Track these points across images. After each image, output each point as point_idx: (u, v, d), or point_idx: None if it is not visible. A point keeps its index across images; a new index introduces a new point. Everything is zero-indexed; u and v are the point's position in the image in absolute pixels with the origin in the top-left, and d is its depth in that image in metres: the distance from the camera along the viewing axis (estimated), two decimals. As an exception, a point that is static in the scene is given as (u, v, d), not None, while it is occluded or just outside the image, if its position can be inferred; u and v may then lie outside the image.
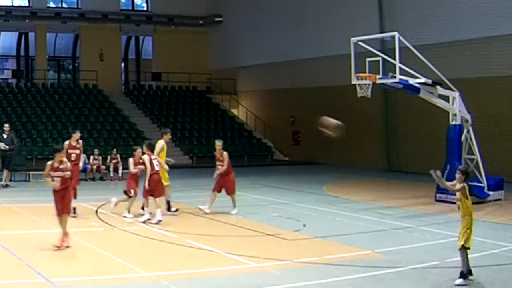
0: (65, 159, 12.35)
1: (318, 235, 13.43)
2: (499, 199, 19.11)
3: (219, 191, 16.26)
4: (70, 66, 43.54)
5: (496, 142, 24.18)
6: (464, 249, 9.81)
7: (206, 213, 15.91)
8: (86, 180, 25.00)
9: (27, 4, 38.11)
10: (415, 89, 18.71)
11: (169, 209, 16.06)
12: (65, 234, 11.77)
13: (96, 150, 26.24)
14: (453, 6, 26.04)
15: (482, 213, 16.85)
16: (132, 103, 38.13)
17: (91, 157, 25.55)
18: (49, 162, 12.02)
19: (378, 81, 18.09)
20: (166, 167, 15.91)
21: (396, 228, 14.51)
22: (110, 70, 38.83)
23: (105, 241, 12.36)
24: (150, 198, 14.96)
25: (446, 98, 19.06)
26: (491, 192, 18.98)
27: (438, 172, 10.20)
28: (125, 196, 15.72)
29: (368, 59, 18.38)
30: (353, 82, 18.53)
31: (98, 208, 16.67)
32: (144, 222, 14.58)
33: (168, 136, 16.43)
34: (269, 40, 36.42)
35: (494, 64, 24.76)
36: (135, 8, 41.50)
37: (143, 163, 15.18)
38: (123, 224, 14.36)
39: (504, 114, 24.98)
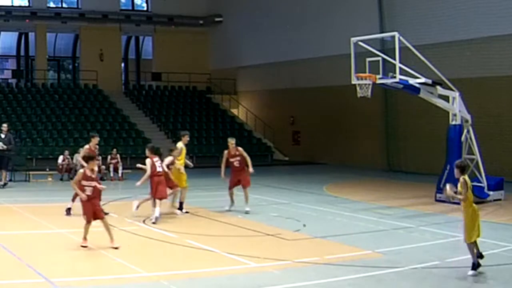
0: (95, 168, 12.29)
1: (318, 235, 13.43)
2: (499, 199, 19.11)
3: (235, 186, 16.66)
4: (70, 66, 43.55)
5: (496, 142, 24.18)
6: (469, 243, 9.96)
7: (227, 210, 16.45)
8: (86, 180, 24.98)
9: (27, 4, 38.12)
10: (415, 89, 18.71)
11: (180, 209, 16.25)
12: (111, 236, 11.82)
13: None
14: (453, 6, 26.04)
15: (482, 213, 16.70)
16: (132, 103, 38.14)
17: (91, 157, 25.50)
18: (81, 170, 11.93)
19: (378, 81, 18.09)
20: (183, 169, 16.18)
21: (396, 228, 14.51)
22: (110, 70, 38.85)
23: (105, 241, 12.34)
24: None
25: (446, 98, 19.05)
26: (491, 192, 18.99)
27: (449, 190, 10.13)
28: (146, 197, 15.80)
29: (368, 59, 18.37)
30: (353, 82, 18.53)
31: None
32: (154, 222, 14.67)
33: (186, 138, 16.63)
34: (269, 40, 36.43)
35: (494, 64, 24.76)
36: (135, 8, 41.51)
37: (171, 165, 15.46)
38: (123, 224, 14.36)
39: (504, 114, 24.98)
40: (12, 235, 13.17)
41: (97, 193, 11.88)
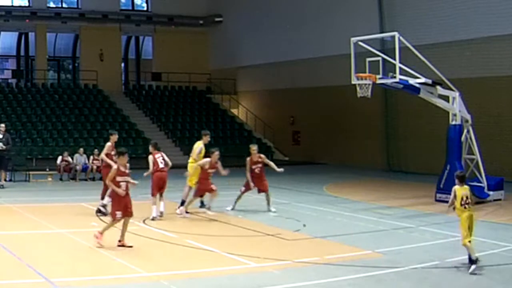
0: (128, 164, 12.32)
1: (318, 235, 13.43)
2: (499, 199, 19.12)
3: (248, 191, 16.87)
4: (70, 66, 43.55)
5: (496, 142, 24.19)
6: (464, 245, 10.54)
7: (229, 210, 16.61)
8: (86, 180, 25.01)
9: (27, 4, 38.12)
10: (415, 89, 18.71)
11: (202, 205, 16.64)
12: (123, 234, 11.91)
13: (96, 150, 26.19)
14: (453, 6, 26.05)
15: (482, 213, 16.84)
16: (132, 103, 38.13)
17: (91, 157, 25.53)
18: (115, 166, 11.98)
19: (378, 81, 18.08)
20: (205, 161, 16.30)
21: (396, 228, 14.51)
22: (110, 70, 38.84)
23: (105, 241, 12.34)
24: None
25: (446, 98, 19.06)
26: (491, 192, 18.99)
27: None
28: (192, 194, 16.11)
29: (368, 59, 18.37)
30: (353, 82, 18.53)
31: (97, 212, 16.66)
32: (153, 219, 14.91)
33: (207, 138, 16.72)
34: (269, 40, 36.43)
35: (494, 64, 24.76)
36: (135, 8, 41.51)
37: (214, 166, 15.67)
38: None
39: (504, 114, 24.99)
40: (12, 235, 13.17)
41: (128, 189, 11.99)
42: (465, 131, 19.04)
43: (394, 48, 17.86)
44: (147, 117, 36.85)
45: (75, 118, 34.20)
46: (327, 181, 24.33)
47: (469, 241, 10.53)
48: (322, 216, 16.35)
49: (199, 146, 16.51)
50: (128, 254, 11.30)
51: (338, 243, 12.76)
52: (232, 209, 16.73)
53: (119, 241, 11.79)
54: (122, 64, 42.44)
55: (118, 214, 11.79)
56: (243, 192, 16.90)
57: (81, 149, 25.88)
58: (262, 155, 16.96)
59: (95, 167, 25.42)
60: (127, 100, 38.39)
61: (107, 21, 38.90)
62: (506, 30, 24.16)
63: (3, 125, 22.92)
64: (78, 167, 25.12)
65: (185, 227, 14.21)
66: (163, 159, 15.53)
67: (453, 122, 18.90)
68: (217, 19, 41.15)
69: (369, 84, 18.09)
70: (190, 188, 16.24)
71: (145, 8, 41.76)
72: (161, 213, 15.11)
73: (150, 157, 15.37)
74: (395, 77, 17.91)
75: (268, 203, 16.78)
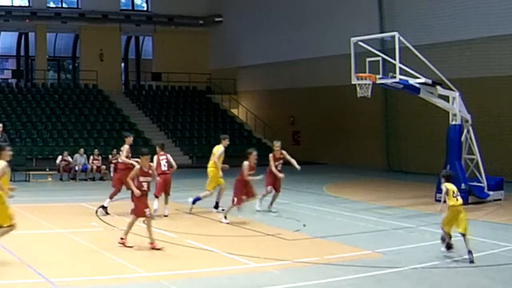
0: (152, 164, 12.32)
1: (318, 235, 13.43)
2: (499, 199, 19.12)
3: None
4: (70, 66, 43.55)
5: (496, 142, 24.19)
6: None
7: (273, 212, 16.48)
8: (86, 180, 25.03)
9: (27, 4, 38.12)
10: (415, 89, 18.71)
11: (216, 207, 16.56)
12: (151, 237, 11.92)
13: (96, 150, 26.25)
14: (453, 6, 26.05)
15: (482, 213, 16.85)
16: (132, 103, 38.13)
17: (91, 157, 25.55)
18: (138, 166, 11.99)
19: (378, 81, 18.09)
20: (221, 173, 16.40)
21: (396, 228, 14.51)
22: (110, 70, 38.84)
23: (105, 241, 12.35)
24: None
25: (446, 98, 19.06)
26: (491, 192, 18.99)
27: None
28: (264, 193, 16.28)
29: (368, 59, 18.38)
30: (353, 82, 18.53)
31: (98, 208, 16.66)
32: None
33: (226, 141, 16.72)
34: (269, 40, 36.43)
35: (494, 64, 24.77)
36: (135, 8, 41.51)
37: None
38: (123, 224, 14.34)
39: (504, 114, 24.99)
40: (12, 235, 13.13)
41: (149, 189, 12.04)
42: (465, 131, 19.04)
43: (394, 48, 17.86)
44: (147, 117, 36.85)
45: (75, 118, 34.20)
46: (327, 181, 24.33)
47: (466, 230, 11.15)
48: (322, 216, 16.36)
49: (219, 150, 16.45)
50: (128, 254, 11.30)
51: (338, 243, 12.76)
52: (270, 210, 16.59)
53: (151, 243, 11.83)
54: (122, 64, 42.44)
55: (137, 213, 11.89)
56: (273, 191, 16.64)
57: (81, 149, 25.89)
58: (283, 151, 16.78)
59: (95, 167, 25.45)
60: (127, 100, 38.39)
61: (107, 21, 38.90)
62: (506, 30, 24.16)
63: (0, 124, 22.91)
64: (78, 167, 25.13)
65: (185, 227, 14.21)
66: (167, 161, 15.63)
67: (453, 122, 18.90)
68: (217, 19, 41.15)
69: (369, 84, 18.09)
70: (210, 193, 16.38)
71: (145, 8, 41.76)
72: (165, 216, 15.29)
73: (155, 158, 15.52)
74: (395, 77, 17.91)
75: (272, 203, 16.70)
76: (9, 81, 38.26)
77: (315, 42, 33.31)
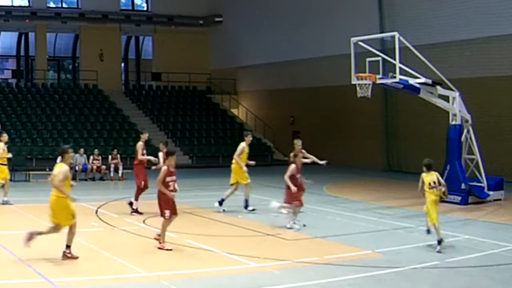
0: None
1: (318, 235, 13.43)
2: (499, 199, 19.12)
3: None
4: (70, 66, 43.55)
5: (496, 142, 24.19)
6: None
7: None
8: (86, 180, 25.03)
9: (27, 4, 38.12)
10: (415, 89, 18.71)
11: (246, 207, 16.57)
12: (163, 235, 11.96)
13: (96, 150, 26.26)
14: (453, 6, 26.04)
15: (482, 213, 16.86)
16: (132, 103, 38.13)
17: (91, 157, 25.56)
18: (165, 167, 11.92)
19: (378, 81, 18.09)
20: (245, 168, 16.46)
21: (396, 228, 14.51)
22: (110, 70, 38.84)
23: (105, 241, 12.35)
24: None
25: (446, 98, 19.06)
26: (491, 192, 18.99)
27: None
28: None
29: (368, 59, 18.38)
30: (353, 82, 18.53)
31: (98, 208, 16.68)
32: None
33: (249, 138, 16.79)
34: (269, 40, 36.42)
35: (494, 64, 24.76)
36: (135, 8, 41.52)
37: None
38: (123, 224, 14.37)
39: (504, 114, 24.98)
40: (12, 235, 13.16)
41: (175, 189, 12.01)
42: (465, 131, 19.05)
43: (394, 48, 17.87)
44: (147, 117, 36.85)
45: (75, 118, 34.21)
46: (327, 181, 24.32)
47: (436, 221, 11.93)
48: (322, 216, 16.35)
49: (241, 146, 16.61)
50: (128, 254, 11.30)
51: (338, 243, 12.76)
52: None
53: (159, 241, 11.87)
54: (122, 64, 42.44)
55: (167, 213, 11.80)
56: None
57: (81, 149, 25.88)
58: (303, 150, 16.59)
59: (95, 167, 25.45)
60: (127, 100, 38.39)
61: (107, 21, 38.90)
62: (506, 30, 24.15)
63: None
64: (78, 167, 25.13)
65: (185, 227, 14.20)
66: None
67: (453, 122, 18.91)
68: (217, 19, 41.15)
69: (369, 84, 18.09)
70: (237, 187, 16.50)
71: (145, 8, 41.76)
72: None
73: (160, 154, 15.62)
74: (395, 77, 17.91)
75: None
76: (9, 81, 38.27)
77: (315, 42, 33.30)
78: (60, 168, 10.96)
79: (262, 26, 37.02)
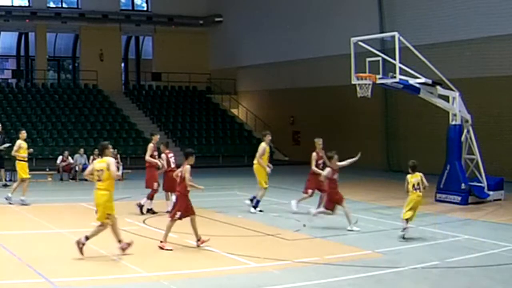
0: None
1: (318, 235, 13.43)
2: (499, 199, 19.11)
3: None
4: (70, 66, 43.55)
5: (496, 142, 24.19)
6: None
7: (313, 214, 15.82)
8: (86, 180, 24.97)
9: (27, 4, 38.13)
10: (415, 89, 18.71)
11: (255, 207, 16.55)
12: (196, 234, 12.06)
13: (96, 150, 26.18)
14: (453, 6, 26.05)
15: (482, 213, 16.86)
16: (132, 103, 38.14)
17: (91, 157, 25.52)
18: (188, 166, 12.04)
19: (378, 81, 18.09)
20: (268, 169, 16.41)
21: (396, 228, 14.48)
22: (110, 70, 38.85)
23: (105, 241, 12.34)
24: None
25: (446, 98, 19.06)
26: (491, 192, 18.98)
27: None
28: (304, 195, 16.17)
29: (368, 59, 18.38)
30: (353, 82, 18.53)
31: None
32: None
33: (268, 138, 16.59)
34: (269, 40, 36.42)
35: (494, 64, 24.76)
36: (135, 8, 41.52)
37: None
38: (123, 224, 14.34)
39: (504, 114, 24.99)
40: (12, 235, 13.17)
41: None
42: (465, 131, 19.04)
43: (394, 48, 17.87)
44: (147, 117, 36.86)
45: (75, 118, 34.22)
46: (327, 181, 24.26)
47: (409, 218, 12.99)
48: (322, 216, 16.31)
49: (261, 147, 16.50)
50: (128, 254, 11.29)
51: (338, 243, 12.76)
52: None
53: (199, 240, 11.95)
54: (122, 64, 42.44)
55: (178, 214, 11.91)
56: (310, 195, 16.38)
57: (81, 149, 25.89)
58: (323, 151, 16.55)
59: (95, 167, 25.43)
60: (127, 100, 38.40)
61: (107, 21, 38.90)
62: (506, 30, 24.15)
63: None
64: (78, 167, 25.12)
65: (185, 227, 14.18)
66: (174, 159, 16.00)
67: (453, 122, 18.90)
68: (217, 19, 41.15)
69: (369, 84, 18.09)
70: (265, 190, 16.42)
71: (145, 8, 41.77)
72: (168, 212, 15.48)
73: (163, 156, 15.80)
74: (395, 77, 17.91)
75: (320, 205, 16.02)
76: (9, 81, 38.28)
77: (315, 42, 33.30)
78: (106, 162, 11.18)
79: (262, 26, 37.02)
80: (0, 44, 40.57)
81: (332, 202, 14.17)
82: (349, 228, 13.97)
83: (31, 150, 18.77)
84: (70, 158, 25.30)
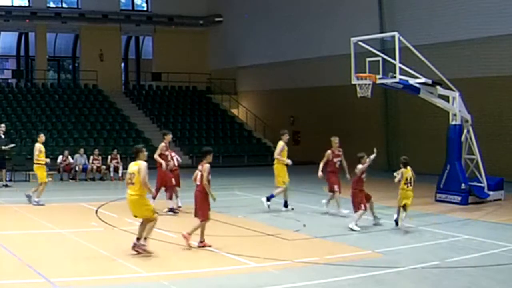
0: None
1: (318, 235, 13.43)
2: (499, 199, 19.11)
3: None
4: (70, 66, 43.55)
5: (496, 142, 24.19)
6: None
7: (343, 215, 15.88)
8: (86, 180, 25.02)
9: (27, 4, 38.11)
10: (415, 89, 18.71)
11: (286, 205, 16.70)
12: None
13: (96, 150, 26.24)
14: (453, 6, 26.06)
15: (482, 213, 16.86)
16: (132, 103, 38.13)
17: (91, 157, 25.56)
18: (208, 165, 12.02)
19: (378, 81, 18.08)
20: (289, 161, 16.66)
21: (396, 228, 14.50)
22: (110, 70, 38.84)
23: (105, 241, 12.35)
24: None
25: (446, 98, 19.05)
26: (491, 192, 18.98)
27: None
28: (331, 194, 16.14)
29: (368, 59, 18.37)
30: (353, 82, 18.52)
31: (98, 208, 16.68)
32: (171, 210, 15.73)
33: (286, 137, 16.91)
34: (269, 40, 36.42)
35: (494, 64, 24.76)
36: (135, 8, 41.51)
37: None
38: (123, 224, 14.35)
39: (504, 114, 24.99)
40: (12, 235, 13.17)
41: None
42: (465, 131, 19.04)
43: (394, 48, 17.86)
44: (147, 117, 36.85)
45: (75, 118, 34.20)
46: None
47: (402, 207, 14.02)
48: (322, 216, 16.35)
49: (280, 145, 16.68)
50: (128, 254, 11.29)
51: (338, 243, 12.76)
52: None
53: (201, 241, 12.00)
54: (122, 64, 42.43)
55: (206, 216, 12.00)
56: (339, 192, 16.24)
57: (81, 149, 25.90)
58: (340, 148, 16.55)
59: (95, 167, 25.44)
60: (127, 100, 38.40)
61: (107, 21, 38.89)
62: (506, 30, 24.16)
63: (3, 125, 22.96)
64: (78, 167, 25.13)
65: (185, 227, 14.18)
66: (178, 158, 16.40)
67: (453, 122, 18.90)
68: (217, 19, 41.15)
69: (369, 84, 18.08)
70: (283, 188, 16.52)
71: (145, 8, 41.76)
72: (179, 207, 16.02)
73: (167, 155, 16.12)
74: (395, 77, 17.91)
75: (339, 205, 16.17)
76: (9, 81, 38.27)
77: (315, 42, 33.30)
78: (139, 166, 11.29)
79: (262, 26, 37.02)
80: (0, 44, 40.57)
81: (361, 202, 14.32)
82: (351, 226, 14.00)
83: (48, 160, 18.82)
84: (70, 158, 25.29)
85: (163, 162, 15.94)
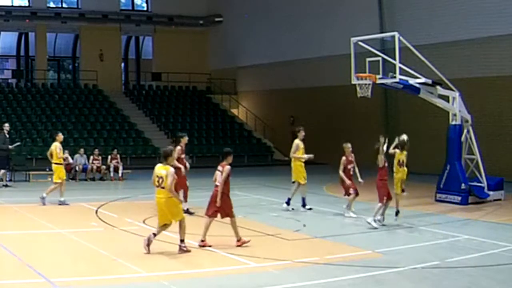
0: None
1: (318, 235, 13.42)
2: (499, 199, 19.10)
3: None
4: (70, 66, 43.56)
5: (496, 142, 24.19)
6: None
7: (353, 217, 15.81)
8: (86, 180, 25.02)
9: (27, 4, 38.13)
10: (415, 89, 18.70)
11: (304, 205, 16.71)
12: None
13: (96, 150, 26.24)
14: (453, 6, 26.06)
15: (482, 213, 16.85)
16: (132, 103, 38.14)
17: (91, 157, 25.55)
18: (229, 167, 12.03)
19: (378, 81, 18.08)
20: (310, 156, 16.83)
21: (396, 228, 14.50)
22: (110, 70, 38.86)
23: (105, 241, 12.35)
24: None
25: (446, 98, 19.05)
26: (491, 192, 18.97)
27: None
28: (347, 197, 16.15)
29: (368, 59, 18.36)
30: (353, 82, 18.52)
31: (98, 208, 16.67)
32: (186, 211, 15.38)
33: (302, 134, 17.15)
34: (269, 40, 36.43)
35: (494, 64, 24.76)
36: (135, 8, 41.54)
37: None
38: (123, 224, 14.36)
39: (504, 114, 24.99)
40: (12, 235, 13.17)
41: None
42: (465, 131, 19.03)
43: (394, 48, 17.86)
44: (147, 117, 36.87)
45: (75, 118, 34.22)
46: (327, 181, 24.31)
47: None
48: (322, 216, 16.35)
49: (295, 143, 16.90)
50: (128, 254, 11.29)
51: (338, 243, 12.75)
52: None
53: (238, 240, 12.02)
54: (122, 64, 42.45)
55: (228, 213, 12.11)
56: (355, 195, 16.24)
57: (82, 149, 25.89)
58: (353, 154, 16.61)
59: (95, 167, 25.44)
60: (127, 100, 38.41)
61: (107, 21, 38.91)
62: (506, 30, 24.16)
63: (7, 124, 22.96)
64: (78, 167, 25.13)
65: (187, 228, 14.17)
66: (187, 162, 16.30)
67: (453, 122, 18.90)
68: (217, 19, 41.17)
69: (369, 84, 18.08)
70: (299, 184, 16.65)
71: (145, 8, 41.78)
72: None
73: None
74: (395, 77, 17.91)
75: (350, 206, 16.22)
76: (9, 81, 38.29)
77: (315, 42, 33.30)
78: (167, 171, 11.17)
79: (262, 26, 37.03)
80: (0, 44, 40.57)
81: (384, 196, 14.51)
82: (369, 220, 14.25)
83: (66, 154, 18.76)
84: (70, 158, 25.28)
85: (182, 167, 15.85)
